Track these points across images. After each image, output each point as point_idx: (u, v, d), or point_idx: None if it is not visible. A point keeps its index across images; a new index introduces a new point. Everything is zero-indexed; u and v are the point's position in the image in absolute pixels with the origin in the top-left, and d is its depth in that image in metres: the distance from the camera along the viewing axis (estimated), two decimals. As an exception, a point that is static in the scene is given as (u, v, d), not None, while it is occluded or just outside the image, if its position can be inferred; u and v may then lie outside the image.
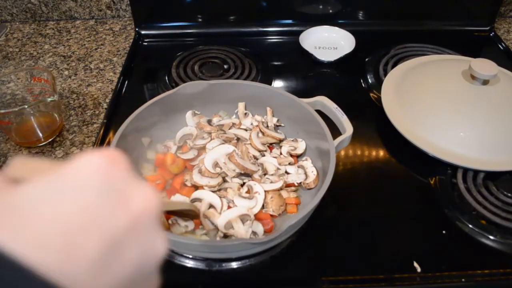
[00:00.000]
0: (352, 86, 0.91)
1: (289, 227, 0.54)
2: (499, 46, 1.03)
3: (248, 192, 0.64)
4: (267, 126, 0.73)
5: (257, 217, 0.62)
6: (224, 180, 0.66)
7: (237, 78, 0.89)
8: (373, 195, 0.69)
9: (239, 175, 0.66)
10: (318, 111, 0.70)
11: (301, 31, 0.98)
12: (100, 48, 1.01)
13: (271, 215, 0.63)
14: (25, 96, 0.79)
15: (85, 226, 0.17)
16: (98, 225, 0.18)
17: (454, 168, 0.70)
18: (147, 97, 0.87)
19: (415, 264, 0.59)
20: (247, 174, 0.66)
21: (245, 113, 0.75)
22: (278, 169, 0.67)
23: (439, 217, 0.65)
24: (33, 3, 1.07)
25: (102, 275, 0.17)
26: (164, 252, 0.22)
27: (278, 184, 0.64)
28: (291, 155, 0.70)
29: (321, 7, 1.03)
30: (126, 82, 0.91)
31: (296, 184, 0.66)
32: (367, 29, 1.04)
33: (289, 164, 0.68)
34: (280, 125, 0.75)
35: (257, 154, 0.69)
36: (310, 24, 1.00)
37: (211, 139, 0.70)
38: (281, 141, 0.72)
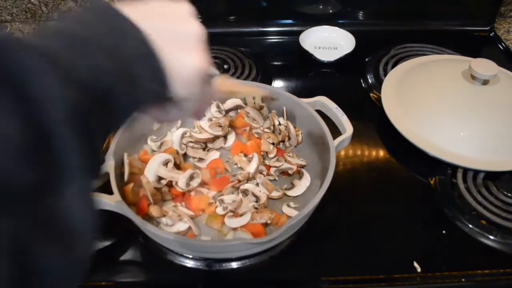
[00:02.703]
0: (352, 86, 0.91)
1: (289, 227, 0.55)
2: (499, 46, 1.03)
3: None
4: (289, 137, 0.73)
5: (249, 230, 0.60)
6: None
7: (237, 78, 0.89)
8: (373, 195, 0.69)
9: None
10: (318, 111, 0.70)
11: (301, 31, 0.98)
12: (100, 48, 1.01)
13: (265, 224, 0.62)
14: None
15: (162, 15, 0.35)
16: (166, 13, 0.36)
17: (454, 168, 0.70)
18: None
19: (415, 264, 0.59)
20: None
21: (261, 106, 0.76)
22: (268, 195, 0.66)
23: (439, 217, 0.65)
24: (33, 3, 1.07)
25: (153, 19, 0.34)
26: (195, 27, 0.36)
27: (245, 220, 0.61)
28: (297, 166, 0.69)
29: (321, 7, 1.03)
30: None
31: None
32: (367, 29, 1.04)
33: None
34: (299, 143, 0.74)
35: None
36: (310, 24, 1.00)
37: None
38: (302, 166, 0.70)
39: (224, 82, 0.55)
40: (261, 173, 0.68)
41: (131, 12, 0.32)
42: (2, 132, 0.23)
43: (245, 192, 0.65)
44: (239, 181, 0.66)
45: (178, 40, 0.34)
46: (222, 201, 0.63)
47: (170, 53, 0.33)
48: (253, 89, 0.70)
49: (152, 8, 0.35)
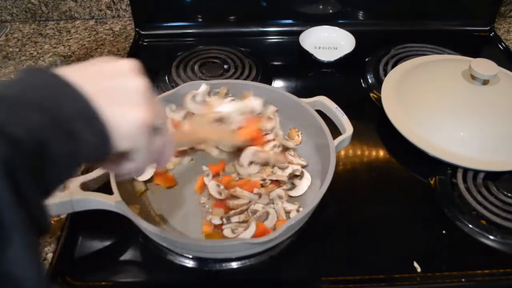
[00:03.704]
0: (352, 86, 0.91)
1: (289, 227, 0.55)
2: (499, 46, 1.03)
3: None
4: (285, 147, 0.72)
5: (257, 234, 0.60)
6: None
7: (237, 78, 0.89)
8: (373, 195, 0.69)
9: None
10: (318, 111, 0.70)
11: (301, 31, 0.98)
12: (100, 48, 1.01)
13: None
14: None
15: (97, 73, 0.36)
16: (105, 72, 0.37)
17: (454, 168, 0.70)
18: (147, 97, 0.87)
19: (415, 264, 0.59)
20: None
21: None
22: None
23: (439, 217, 0.65)
24: (33, 3, 1.07)
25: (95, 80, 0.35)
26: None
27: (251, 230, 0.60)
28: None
29: (321, 7, 1.03)
30: (126, 82, 0.91)
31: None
32: (367, 29, 1.04)
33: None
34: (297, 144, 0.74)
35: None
36: (310, 24, 1.00)
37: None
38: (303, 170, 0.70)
39: (189, 129, 0.59)
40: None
41: (72, 73, 0.33)
42: None
43: (254, 212, 0.63)
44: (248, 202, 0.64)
45: (119, 96, 0.35)
46: (228, 220, 0.62)
47: (110, 110, 0.34)
48: (221, 133, 0.67)
49: (94, 67, 0.36)
